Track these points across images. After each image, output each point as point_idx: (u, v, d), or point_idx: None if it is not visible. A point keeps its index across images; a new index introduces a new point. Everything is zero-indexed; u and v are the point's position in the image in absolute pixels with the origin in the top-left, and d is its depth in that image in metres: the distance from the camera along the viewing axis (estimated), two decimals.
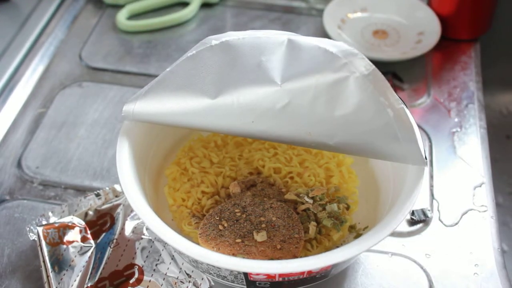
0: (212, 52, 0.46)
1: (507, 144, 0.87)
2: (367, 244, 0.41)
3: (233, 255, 0.44)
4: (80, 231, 0.51)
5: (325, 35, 0.74)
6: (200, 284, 0.48)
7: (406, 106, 0.44)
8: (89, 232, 0.51)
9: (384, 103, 0.44)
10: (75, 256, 0.50)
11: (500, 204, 0.79)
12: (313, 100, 0.45)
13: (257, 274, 0.42)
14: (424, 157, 0.44)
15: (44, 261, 0.50)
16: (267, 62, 0.45)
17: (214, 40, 0.46)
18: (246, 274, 0.42)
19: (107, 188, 0.55)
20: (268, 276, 0.42)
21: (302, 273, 0.41)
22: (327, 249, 0.48)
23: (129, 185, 0.45)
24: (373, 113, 0.44)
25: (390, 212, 0.43)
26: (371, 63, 0.45)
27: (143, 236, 0.51)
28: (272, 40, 0.46)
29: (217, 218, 0.47)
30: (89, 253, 0.50)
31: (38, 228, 0.51)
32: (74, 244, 0.50)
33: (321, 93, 0.44)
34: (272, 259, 0.45)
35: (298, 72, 0.45)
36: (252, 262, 0.40)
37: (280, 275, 0.41)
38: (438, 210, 0.57)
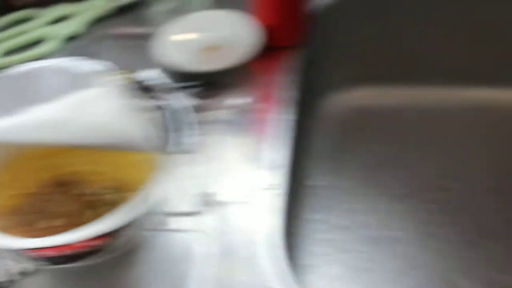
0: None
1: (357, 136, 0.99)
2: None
3: None
4: None
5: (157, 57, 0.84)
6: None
7: (162, 111, 0.57)
8: None
9: (134, 111, 0.56)
10: None
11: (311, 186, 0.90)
12: (78, 112, 0.57)
13: (31, 251, 0.53)
14: (165, 148, 0.56)
15: None
16: (41, 86, 0.58)
17: None
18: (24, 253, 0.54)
19: None
20: (37, 251, 0.53)
21: (60, 248, 0.53)
22: None
23: None
24: (124, 119, 0.56)
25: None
26: (122, 78, 0.57)
27: None
28: (47, 68, 0.58)
29: (12, 213, 0.59)
30: None
31: None
32: None
33: (83, 106, 0.56)
34: None
35: (65, 91, 0.57)
36: (12, 241, 0.51)
37: (48, 249, 0.53)
38: (224, 190, 0.65)
